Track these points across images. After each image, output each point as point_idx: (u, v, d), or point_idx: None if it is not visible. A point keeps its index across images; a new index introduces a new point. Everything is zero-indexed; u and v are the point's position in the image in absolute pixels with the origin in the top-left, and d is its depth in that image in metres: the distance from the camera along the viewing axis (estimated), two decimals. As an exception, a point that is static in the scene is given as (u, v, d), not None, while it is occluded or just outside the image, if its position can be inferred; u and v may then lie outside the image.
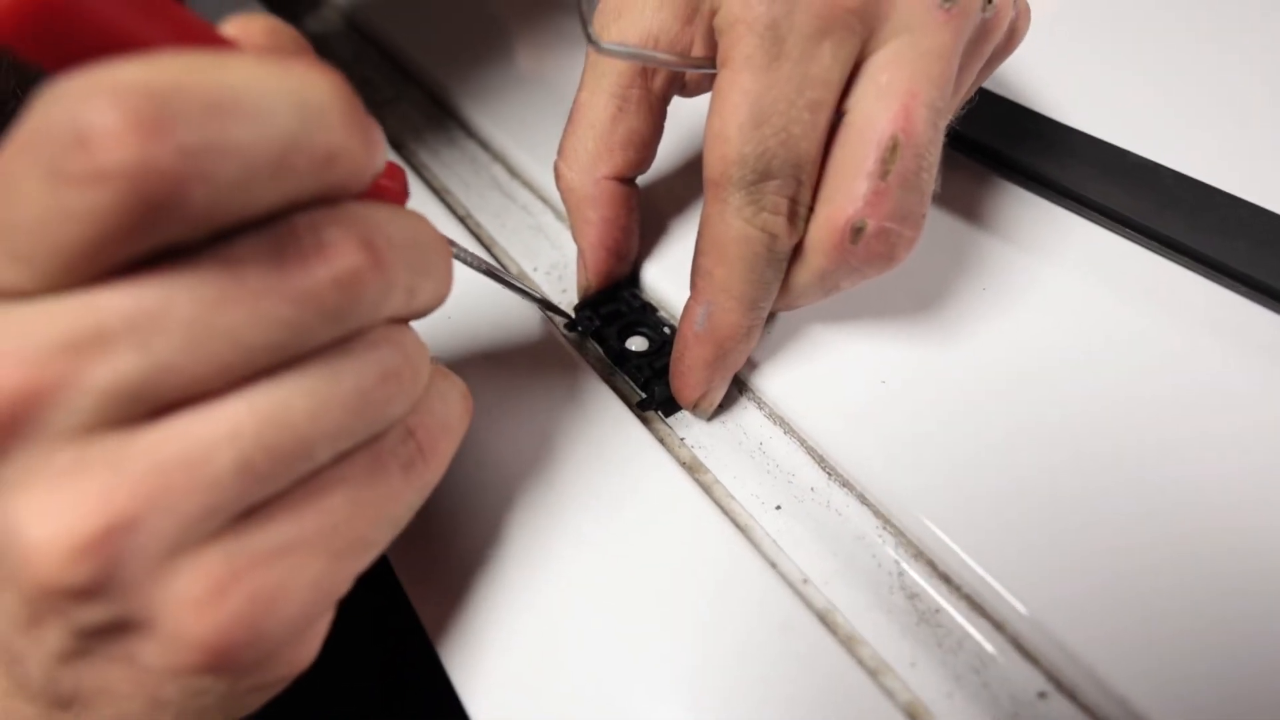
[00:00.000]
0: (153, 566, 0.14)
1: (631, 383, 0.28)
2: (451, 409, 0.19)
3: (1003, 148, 0.31)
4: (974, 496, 0.22)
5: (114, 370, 0.13)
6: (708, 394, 0.25)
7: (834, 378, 0.26)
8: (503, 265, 0.33)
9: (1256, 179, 0.29)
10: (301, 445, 0.15)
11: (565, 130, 0.28)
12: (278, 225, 0.15)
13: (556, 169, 0.28)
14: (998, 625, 0.21)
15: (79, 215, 0.12)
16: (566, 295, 0.31)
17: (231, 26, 0.16)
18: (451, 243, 0.21)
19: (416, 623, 0.22)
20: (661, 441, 0.26)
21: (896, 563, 0.23)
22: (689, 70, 0.24)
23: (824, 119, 0.21)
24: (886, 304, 0.27)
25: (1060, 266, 0.28)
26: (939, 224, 0.30)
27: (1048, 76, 0.36)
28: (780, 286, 0.24)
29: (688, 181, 0.33)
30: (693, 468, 0.25)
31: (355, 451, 0.17)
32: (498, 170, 0.37)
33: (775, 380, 0.26)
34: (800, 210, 0.22)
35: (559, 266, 0.33)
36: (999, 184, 0.32)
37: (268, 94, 0.13)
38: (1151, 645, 0.19)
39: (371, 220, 0.16)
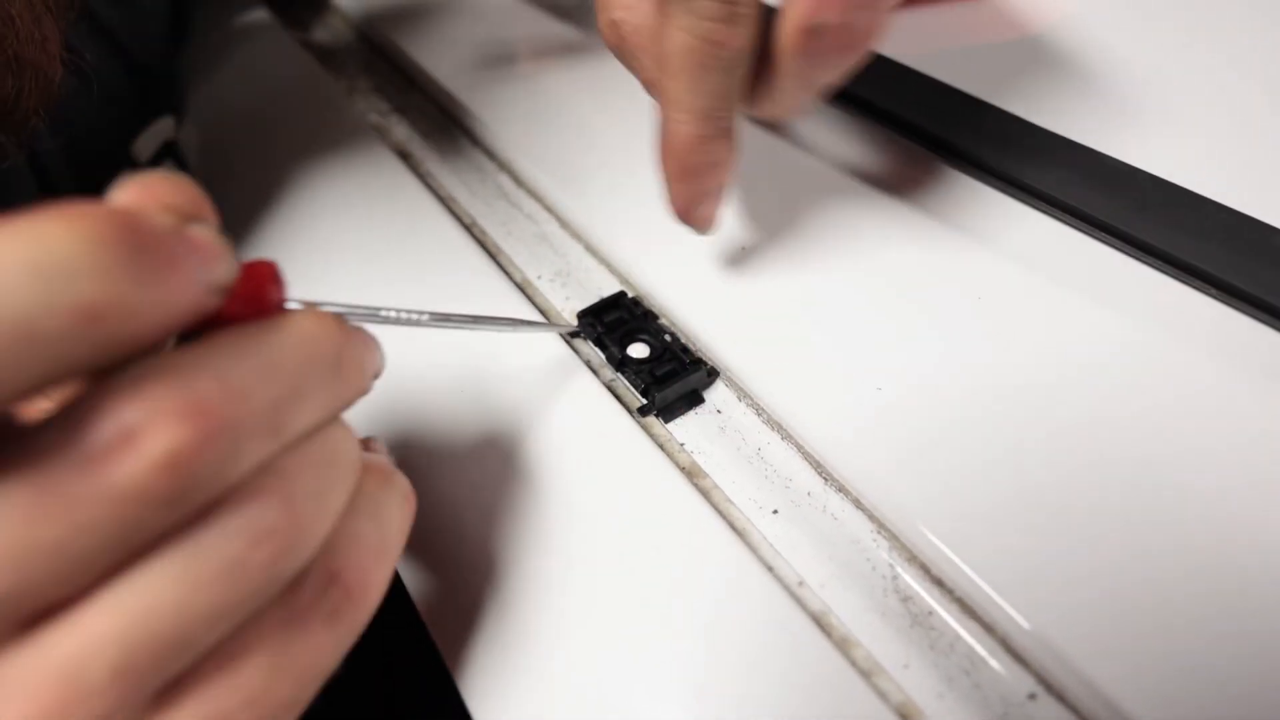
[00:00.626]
0: None
1: (632, 388, 0.28)
2: (388, 527, 0.17)
3: (995, 159, 0.31)
4: (967, 502, 0.23)
5: None
6: (691, 209, 0.26)
7: (831, 384, 0.26)
8: (505, 271, 0.33)
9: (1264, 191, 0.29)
10: (177, 636, 0.14)
11: None
12: (72, 414, 0.13)
13: (605, 23, 0.26)
14: (988, 628, 0.21)
15: None
16: (570, 303, 0.32)
17: (117, 194, 0.15)
18: (373, 311, 0.18)
19: (417, 618, 0.22)
20: (661, 447, 0.26)
21: (891, 566, 0.23)
22: None
23: None
24: (883, 312, 0.28)
25: (1053, 277, 0.29)
26: (935, 234, 0.31)
27: (1058, 90, 0.36)
28: (763, 91, 0.24)
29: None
30: (692, 472, 0.26)
31: (267, 611, 0.15)
32: (503, 179, 0.38)
33: (774, 387, 0.26)
34: (741, 13, 0.22)
35: (563, 274, 0.33)
36: (994, 196, 0.32)
37: None
38: (1140, 648, 0.20)
39: (196, 371, 0.14)
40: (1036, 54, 0.38)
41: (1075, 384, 0.25)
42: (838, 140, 0.35)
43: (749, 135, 0.36)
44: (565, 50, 0.44)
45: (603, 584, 0.22)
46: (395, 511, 0.18)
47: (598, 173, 0.35)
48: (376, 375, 0.19)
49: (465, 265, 0.32)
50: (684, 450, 0.27)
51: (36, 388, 0.12)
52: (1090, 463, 0.23)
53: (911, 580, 0.23)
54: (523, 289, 0.32)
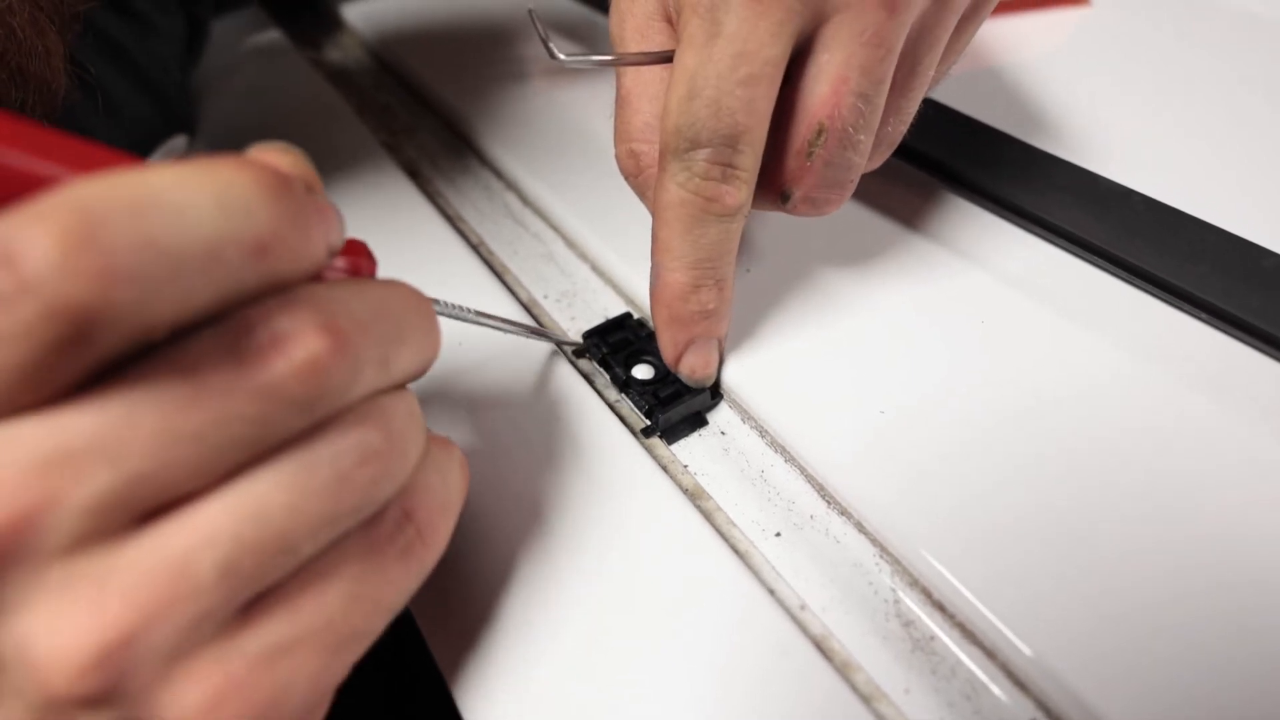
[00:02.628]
0: (154, 676, 0.14)
1: (636, 409, 0.28)
2: (450, 484, 0.19)
3: (993, 182, 0.32)
4: (970, 526, 0.23)
5: (88, 489, 0.14)
6: (684, 358, 0.26)
7: (834, 407, 0.26)
8: (511, 290, 0.34)
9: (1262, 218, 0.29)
10: (283, 541, 0.15)
11: (618, 116, 0.27)
12: (231, 321, 0.15)
13: (624, 153, 0.27)
14: (990, 654, 0.21)
15: (15, 335, 0.12)
16: (576, 323, 0.32)
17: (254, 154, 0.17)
18: (435, 301, 0.21)
19: (417, 634, 0.22)
20: (665, 468, 0.26)
21: (893, 590, 0.23)
22: (653, 64, 0.25)
23: (762, 91, 0.22)
24: (885, 336, 0.28)
25: (1053, 302, 0.29)
26: (937, 259, 0.31)
27: (1050, 114, 0.36)
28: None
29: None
30: (695, 494, 0.26)
31: (349, 539, 0.16)
32: (510, 198, 0.38)
33: (777, 409, 0.27)
34: (739, 174, 0.23)
35: (569, 295, 0.33)
36: (991, 220, 0.32)
37: (187, 193, 0.13)
38: (1141, 676, 0.20)
39: (330, 300, 0.16)
40: (1028, 78, 0.39)
41: (1077, 409, 0.26)
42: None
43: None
44: (575, 72, 0.44)
45: (603, 604, 0.22)
46: (456, 473, 0.19)
47: (605, 194, 0.35)
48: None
49: (473, 284, 0.32)
50: (687, 472, 0.27)
51: (209, 308, 0.14)
52: (1092, 488, 0.23)
53: (913, 605, 0.23)
54: (529, 308, 0.33)
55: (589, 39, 0.48)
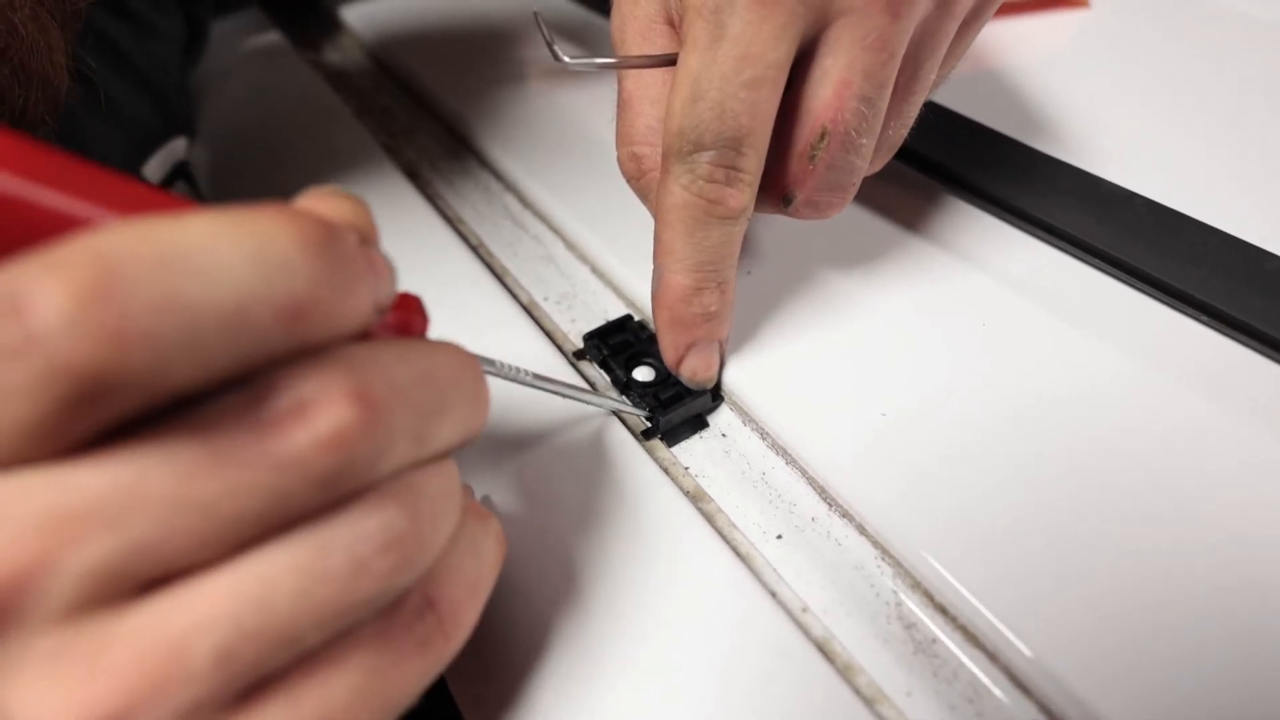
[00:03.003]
0: None
1: (637, 411, 0.28)
2: (484, 563, 0.18)
3: (994, 184, 0.32)
4: (971, 528, 0.23)
5: (88, 553, 0.13)
6: (686, 360, 0.26)
7: (835, 409, 0.26)
8: (511, 292, 0.33)
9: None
10: (287, 630, 0.14)
11: (620, 119, 0.27)
12: (254, 384, 0.14)
13: (625, 155, 0.26)
14: (992, 656, 0.21)
15: (20, 391, 0.12)
16: (576, 325, 0.32)
17: (307, 201, 0.16)
18: (488, 361, 0.20)
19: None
20: (666, 470, 0.26)
21: (894, 593, 0.23)
22: (656, 67, 0.25)
23: (766, 94, 0.22)
24: (886, 337, 0.28)
25: (1053, 304, 0.29)
26: (939, 261, 0.31)
27: (1051, 116, 0.37)
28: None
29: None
30: (696, 496, 0.26)
31: (362, 625, 0.15)
32: (510, 200, 0.38)
33: (778, 411, 0.27)
34: (743, 177, 0.23)
35: (569, 297, 0.33)
36: (992, 222, 0.32)
37: (221, 248, 0.12)
38: (1143, 678, 0.20)
39: (367, 364, 0.14)
40: (1028, 81, 0.39)
41: (1077, 411, 0.26)
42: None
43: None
44: (575, 75, 0.44)
45: (603, 607, 0.22)
46: (491, 551, 0.18)
47: (605, 196, 0.35)
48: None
49: (473, 286, 0.32)
50: (688, 474, 0.27)
51: (233, 371, 0.13)
52: (1093, 490, 0.23)
53: (915, 607, 0.23)
54: (529, 310, 0.32)
55: (589, 42, 0.48)
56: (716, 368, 0.27)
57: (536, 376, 0.23)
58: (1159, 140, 0.36)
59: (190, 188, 0.43)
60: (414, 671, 0.16)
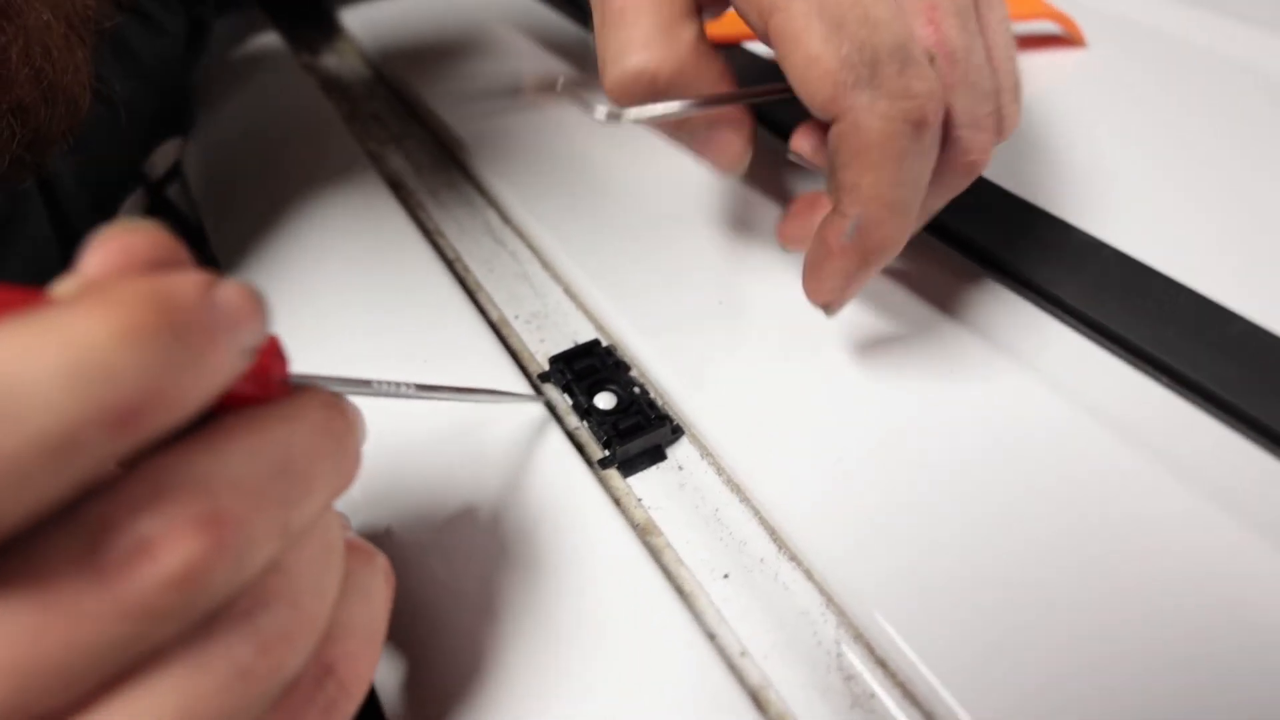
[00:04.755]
0: None
1: (594, 439, 0.28)
2: (375, 606, 0.17)
3: (970, 232, 0.31)
4: (920, 587, 0.22)
5: None
6: (841, 298, 0.24)
7: (794, 452, 0.26)
8: (482, 310, 0.33)
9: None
10: None
11: (610, 35, 0.23)
12: (85, 522, 0.12)
13: (629, 74, 0.23)
14: (928, 717, 0.21)
15: None
16: (544, 345, 0.32)
17: (94, 247, 0.14)
18: (361, 383, 0.18)
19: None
20: (617, 501, 0.26)
21: (837, 643, 0.23)
22: (730, 103, 0.24)
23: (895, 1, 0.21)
24: (851, 385, 0.28)
25: (1023, 359, 0.28)
26: (910, 309, 0.31)
27: (1038, 157, 0.36)
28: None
29: (652, 234, 0.33)
30: (646, 529, 0.25)
31: (266, 715, 0.14)
32: (491, 215, 0.38)
33: (737, 448, 0.26)
34: (929, 79, 0.21)
35: (540, 316, 0.33)
36: (970, 269, 0.32)
37: (23, 373, 0.11)
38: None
39: (212, 478, 0.13)
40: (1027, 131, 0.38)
41: (1041, 476, 0.25)
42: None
43: (742, 189, 0.36)
44: (567, 91, 0.44)
45: (533, 638, 0.22)
46: (381, 592, 0.17)
47: (585, 217, 0.35)
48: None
49: (442, 301, 0.32)
50: (641, 505, 0.26)
51: (59, 501, 0.12)
52: (1052, 560, 0.23)
53: (856, 660, 0.22)
54: (498, 328, 0.32)
55: (571, 51, 0.47)
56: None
57: (420, 387, 0.21)
58: (1139, 189, 0.35)
59: (184, 186, 0.43)
60: None
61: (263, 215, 0.37)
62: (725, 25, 0.28)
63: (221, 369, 0.13)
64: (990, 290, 0.31)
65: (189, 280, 0.13)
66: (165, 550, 0.12)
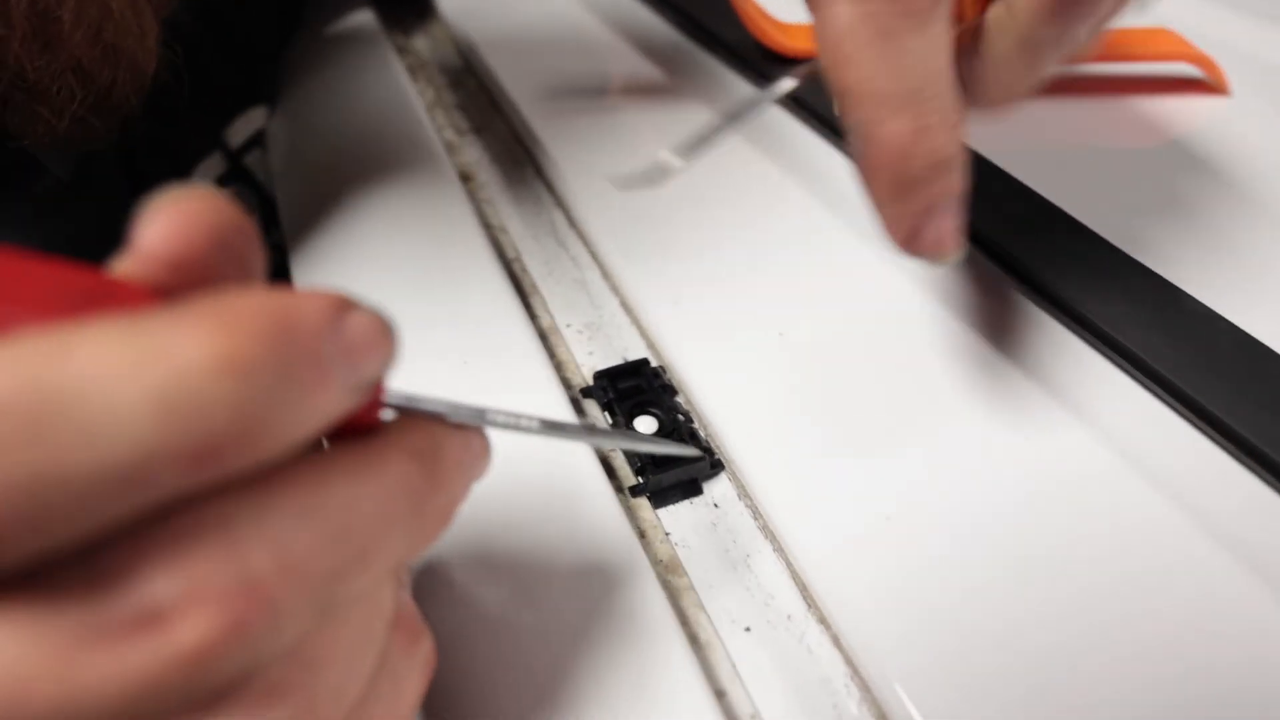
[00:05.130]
0: None
1: (628, 464, 0.27)
2: (403, 701, 0.15)
3: (1063, 289, 0.29)
4: (957, 674, 0.20)
5: None
6: (917, 234, 0.20)
7: (839, 503, 0.24)
8: (534, 314, 0.32)
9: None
10: None
11: (844, 77, 0.19)
12: (101, 566, 0.11)
13: (907, 129, 0.19)
14: (948, 819, 0.19)
15: None
16: (593, 359, 0.31)
17: (151, 218, 0.12)
18: (481, 412, 0.16)
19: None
20: (643, 533, 0.25)
21: (858, 718, 0.21)
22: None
23: None
24: (914, 436, 0.26)
25: (1111, 432, 0.26)
26: (989, 361, 0.28)
27: (1157, 213, 0.33)
28: (972, 72, 0.19)
29: (720, 257, 0.32)
30: (670, 567, 0.24)
31: None
32: (557, 216, 0.37)
33: (777, 493, 0.25)
34: None
35: (593, 327, 0.32)
36: (1058, 331, 0.29)
37: (111, 390, 0.10)
38: None
39: (251, 539, 0.11)
40: (1131, 167, 0.36)
41: (1115, 564, 0.23)
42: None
43: (793, 205, 0.34)
44: (654, 95, 0.43)
45: (530, 668, 0.21)
46: (414, 684, 0.16)
47: (654, 230, 0.34)
48: (479, 479, 0.17)
49: (492, 300, 0.31)
50: (668, 541, 0.25)
51: (105, 529, 0.10)
52: (1115, 661, 0.21)
53: (876, 741, 0.21)
54: (546, 336, 0.31)
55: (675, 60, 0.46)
56: (959, 233, 0.21)
57: (545, 424, 0.18)
58: (1270, 260, 0.32)
59: (264, 157, 0.43)
60: None
61: (332, 193, 0.37)
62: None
63: (328, 407, 0.12)
64: (1077, 350, 0.28)
65: (315, 304, 0.12)
66: (180, 622, 0.11)
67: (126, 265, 0.12)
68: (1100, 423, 0.26)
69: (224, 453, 0.10)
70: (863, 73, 0.18)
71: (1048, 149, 0.37)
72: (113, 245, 0.12)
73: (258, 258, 0.13)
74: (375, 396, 0.14)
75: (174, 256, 0.12)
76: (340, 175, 0.38)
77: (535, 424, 0.17)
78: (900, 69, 0.18)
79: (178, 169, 0.37)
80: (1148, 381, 0.27)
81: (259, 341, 0.11)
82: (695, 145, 0.22)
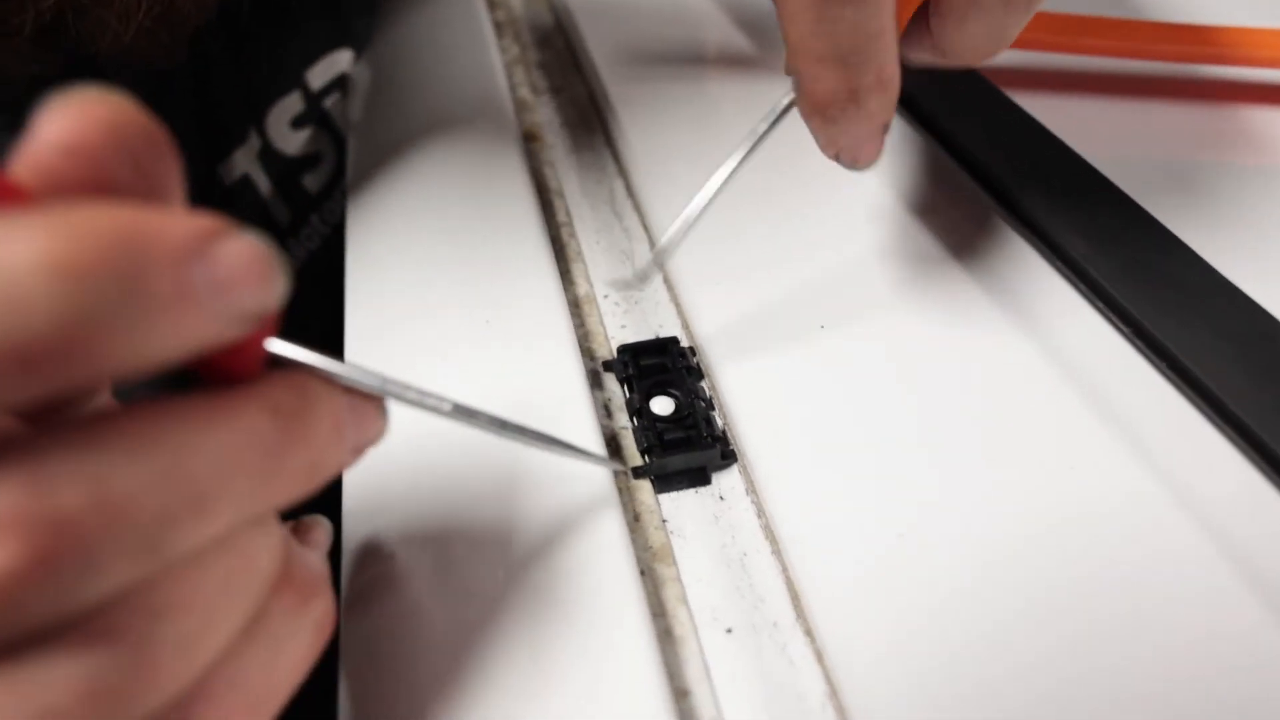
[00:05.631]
0: None
1: (635, 444, 0.26)
2: (283, 665, 0.15)
3: (1146, 311, 0.26)
4: (947, 712, 0.19)
5: None
6: (841, 154, 0.23)
7: (849, 513, 0.23)
8: (573, 280, 0.31)
9: None
10: None
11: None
12: None
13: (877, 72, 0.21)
14: None
15: None
16: (625, 332, 0.30)
17: (52, 108, 0.12)
18: (383, 384, 0.16)
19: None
20: (638, 516, 0.24)
21: (828, 743, 0.20)
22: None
23: None
24: (938, 456, 0.24)
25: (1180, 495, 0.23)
26: (1044, 375, 0.26)
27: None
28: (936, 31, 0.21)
29: (773, 244, 0.30)
30: (659, 555, 0.23)
31: None
32: (617, 185, 0.36)
33: (786, 494, 0.23)
34: None
35: (630, 299, 0.31)
36: (1134, 358, 0.27)
37: None
38: None
39: (67, 470, 0.11)
40: (1251, 184, 0.32)
41: (1147, 622, 0.21)
42: (975, 241, 0.31)
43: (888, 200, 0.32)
44: (742, 68, 0.41)
45: (491, 644, 0.20)
46: (298, 649, 0.15)
47: (711, 210, 0.32)
48: (368, 446, 0.16)
49: (529, 265, 0.30)
50: (663, 528, 0.24)
51: None
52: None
53: (841, 770, 0.19)
54: (580, 304, 0.30)
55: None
56: (880, 151, 0.23)
57: (458, 408, 0.17)
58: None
59: (343, 100, 0.44)
60: None
61: (396, 143, 0.37)
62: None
63: (186, 333, 0.11)
64: (1156, 386, 0.26)
65: (178, 224, 0.11)
66: None
67: (20, 157, 0.12)
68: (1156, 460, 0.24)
69: (49, 359, 0.10)
70: (802, 31, 0.20)
71: (1156, 159, 0.34)
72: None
73: (167, 173, 0.13)
74: (256, 344, 0.14)
75: (67, 145, 0.12)
76: (408, 125, 0.38)
77: (447, 406, 0.17)
78: (835, 34, 0.20)
79: (251, 104, 0.37)
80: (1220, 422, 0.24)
81: (98, 249, 0.10)
82: (676, 241, 0.24)
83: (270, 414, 0.13)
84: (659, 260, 0.24)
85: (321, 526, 0.19)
